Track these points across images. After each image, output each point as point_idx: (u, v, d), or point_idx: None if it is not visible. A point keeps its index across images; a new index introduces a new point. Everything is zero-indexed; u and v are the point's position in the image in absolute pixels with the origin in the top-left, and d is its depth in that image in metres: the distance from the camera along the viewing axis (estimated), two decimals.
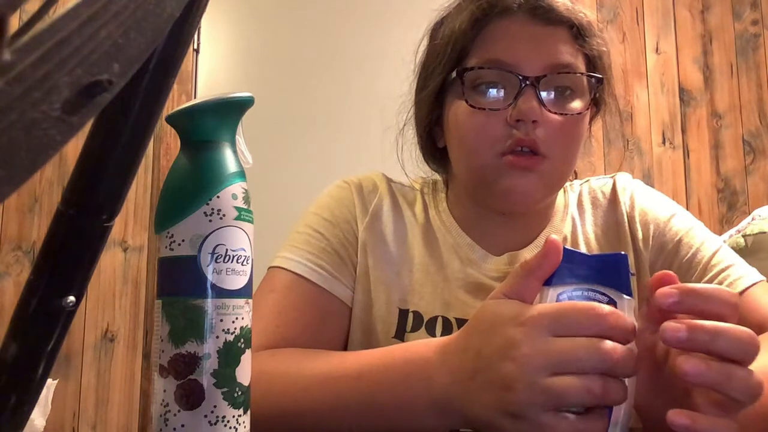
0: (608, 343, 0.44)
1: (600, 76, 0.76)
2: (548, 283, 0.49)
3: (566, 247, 0.49)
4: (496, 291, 0.51)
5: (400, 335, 0.77)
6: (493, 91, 0.73)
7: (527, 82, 0.70)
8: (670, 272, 0.49)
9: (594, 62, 0.76)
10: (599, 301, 0.47)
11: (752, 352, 0.44)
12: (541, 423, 0.45)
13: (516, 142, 0.71)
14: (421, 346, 0.55)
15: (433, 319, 0.77)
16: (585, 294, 0.48)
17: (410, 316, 0.78)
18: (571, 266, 0.48)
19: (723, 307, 0.46)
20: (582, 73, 0.74)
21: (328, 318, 0.76)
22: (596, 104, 0.79)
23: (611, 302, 0.48)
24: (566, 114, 0.72)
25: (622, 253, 0.50)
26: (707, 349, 0.44)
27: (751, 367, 0.60)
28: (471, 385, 0.49)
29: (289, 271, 0.75)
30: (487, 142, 0.72)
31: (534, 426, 0.45)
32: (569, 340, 0.45)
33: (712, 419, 0.43)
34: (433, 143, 0.83)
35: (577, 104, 0.73)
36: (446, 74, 0.76)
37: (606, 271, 0.49)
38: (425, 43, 0.83)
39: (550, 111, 0.71)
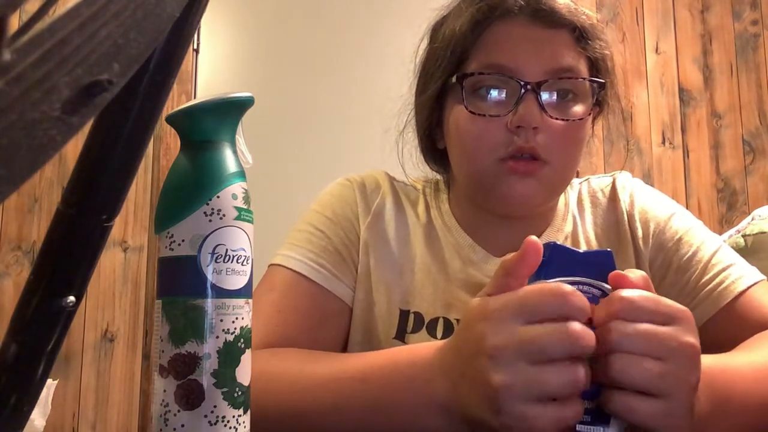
0: (576, 326, 0.45)
1: (602, 80, 0.75)
2: (538, 277, 0.49)
3: (556, 242, 0.50)
4: (481, 292, 0.51)
5: (400, 336, 0.77)
6: (493, 96, 0.72)
7: (528, 88, 0.70)
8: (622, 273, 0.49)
9: (596, 65, 0.76)
10: (591, 294, 0.48)
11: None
12: (524, 415, 0.45)
13: (517, 149, 0.70)
14: (425, 348, 0.55)
15: (434, 320, 0.77)
16: (578, 288, 0.48)
17: (411, 316, 0.77)
18: (562, 261, 0.49)
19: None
20: (584, 78, 0.73)
21: (327, 317, 0.76)
22: (599, 105, 0.79)
23: (604, 295, 0.49)
24: (568, 120, 0.71)
25: (609, 250, 0.51)
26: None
27: (749, 361, 0.61)
28: (462, 385, 0.49)
29: (290, 269, 0.75)
30: (487, 148, 0.71)
31: (517, 419, 0.45)
32: (537, 326, 0.45)
33: (627, 395, 0.46)
34: (433, 145, 0.83)
35: (578, 108, 0.73)
36: (446, 78, 0.75)
37: (595, 264, 0.49)
38: (425, 43, 0.82)
39: (551, 117, 0.70)
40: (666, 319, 0.47)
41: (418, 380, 0.53)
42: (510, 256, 0.49)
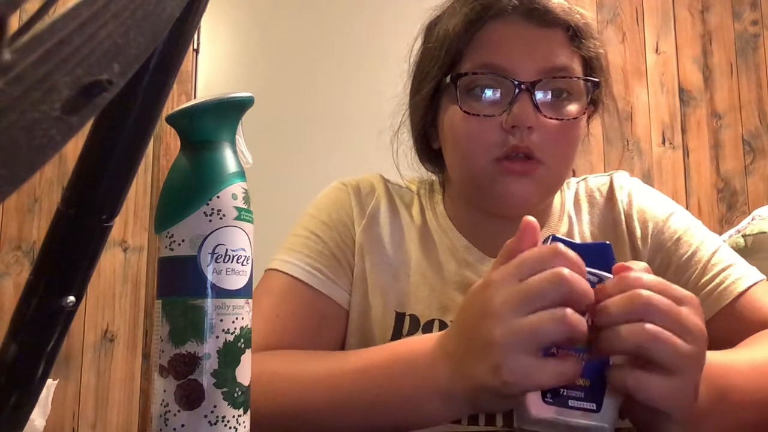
0: (567, 270, 0.46)
1: (596, 79, 0.75)
2: None
3: (555, 235, 0.51)
4: (483, 278, 0.52)
5: (396, 339, 0.77)
6: (487, 96, 0.72)
7: (522, 87, 0.69)
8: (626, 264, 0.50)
9: (590, 64, 0.76)
10: (589, 281, 0.48)
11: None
12: (524, 368, 0.46)
13: (512, 149, 0.70)
14: (424, 339, 0.56)
15: (430, 323, 0.77)
16: None
17: (407, 319, 0.77)
18: None
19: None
20: (578, 77, 0.73)
21: (324, 322, 0.76)
22: (593, 104, 0.79)
23: (601, 282, 0.49)
24: (562, 119, 0.71)
25: (607, 242, 0.52)
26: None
27: (748, 358, 0.61)
28: (465, 361, 0.50)
29: (287, 274, 0.75)
30: (482, 148, 0.71)
31: (517, 373, 0.46)
32: (533, 278, 0.47)
33: (641, 371, 0.46)
34: (428, 145, 0.82)
35: (573, 108, 0.73)
36: (440, 78, 0.75)
37: (593, 256, 0.50)
38: (419, 43, 0.82)
39: (545, 116, 0.70)
40: (677, 301, 0.48)
41: (419, 368, 0.53)
42: (510, 240, 0.51)
